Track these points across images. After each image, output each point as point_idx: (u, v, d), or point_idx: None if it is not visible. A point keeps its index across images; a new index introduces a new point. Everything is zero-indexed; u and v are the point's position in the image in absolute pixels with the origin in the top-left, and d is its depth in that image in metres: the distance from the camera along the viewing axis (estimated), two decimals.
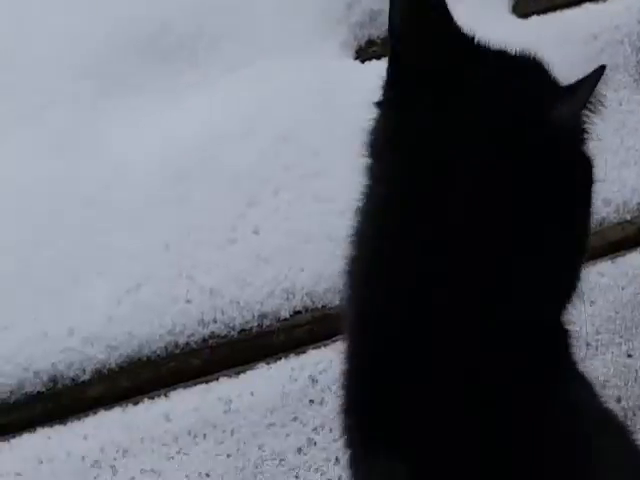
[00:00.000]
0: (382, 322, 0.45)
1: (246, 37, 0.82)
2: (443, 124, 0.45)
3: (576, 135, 0.48)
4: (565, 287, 0.48)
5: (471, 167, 0.44)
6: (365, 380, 0.47)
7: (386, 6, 0.43)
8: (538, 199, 0.46)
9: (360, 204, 0.47)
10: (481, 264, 0.44)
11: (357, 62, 0.82)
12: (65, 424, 0.61)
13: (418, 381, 0.44)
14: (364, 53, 0.83)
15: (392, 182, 0.46)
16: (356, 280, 0.48)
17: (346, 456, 0.49)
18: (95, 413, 0.62)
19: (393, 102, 0.47)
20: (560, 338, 0.48)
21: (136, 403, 0.61)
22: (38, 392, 0.62)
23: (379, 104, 0.47)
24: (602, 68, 0.46)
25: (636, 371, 0.60)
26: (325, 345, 0.61)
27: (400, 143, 0.46)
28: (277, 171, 0.71)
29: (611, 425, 0.48)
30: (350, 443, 0.48)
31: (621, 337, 0.59)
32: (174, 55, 0.81)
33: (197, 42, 0.81)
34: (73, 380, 0.63)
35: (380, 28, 0.81)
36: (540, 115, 0.46)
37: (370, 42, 0.83)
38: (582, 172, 0.48)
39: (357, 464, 0.48)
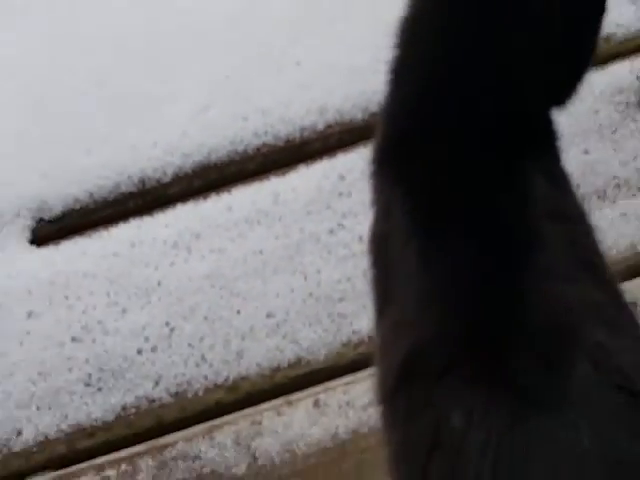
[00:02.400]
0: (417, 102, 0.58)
1: None
2: None
3: None
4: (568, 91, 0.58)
5: None
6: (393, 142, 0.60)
7: None
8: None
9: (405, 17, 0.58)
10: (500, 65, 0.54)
11: None
12: (152, 216, 0.79)
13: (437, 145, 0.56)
14: None
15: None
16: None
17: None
18: (174, 207, 0.79)
19: None
20: (552, 131, 0.59)
21: (205, 198, 0.78)
22: (130, 192, 0.80)
23: None
24: None
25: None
26: (351, 150, 0.76)
27: None
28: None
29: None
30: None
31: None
32: None
33: None
34: (157, 181, 0.80)
35: None
36: None
37: None
38: None
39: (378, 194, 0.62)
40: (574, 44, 0.56)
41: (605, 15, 0.55)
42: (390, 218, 0.60)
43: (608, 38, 0.76)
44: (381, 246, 0.62)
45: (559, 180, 0.58)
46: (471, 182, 0.55)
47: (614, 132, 0.74)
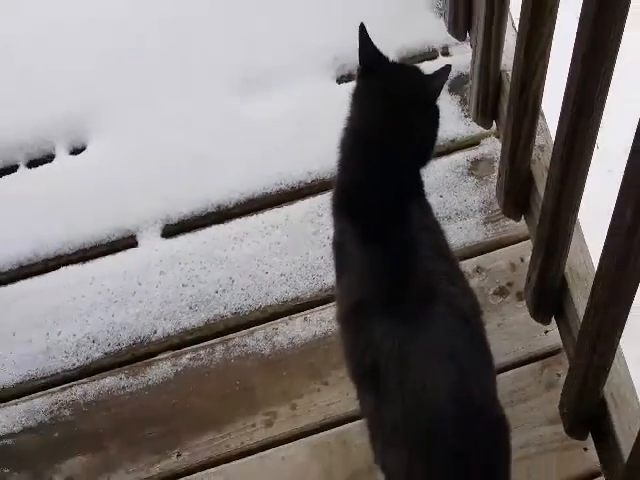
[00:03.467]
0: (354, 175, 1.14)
1: None
2: (370, 88, 1.16)
3: (437, 96, 1.20)
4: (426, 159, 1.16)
5: (388, 108, 1.16)
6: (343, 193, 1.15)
7: None
8: (421, 127, 1.13)
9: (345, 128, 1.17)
10: (394, 151, 1.12)
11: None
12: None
13: (364, 195, 1.11)
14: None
15: (353, 118, 1.22)
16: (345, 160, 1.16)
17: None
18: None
19: (358, 78, 1.15)
20: (421, 182, 1.16)
21: None
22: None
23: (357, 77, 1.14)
24: (449, 66, 1.10)
25: None
26: (325, 193, 1.43)
27: (355, 95, 1.16)
28: None
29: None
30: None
31: None
32: None
33: None
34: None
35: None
36: (424, 85, 1.16)
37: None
38: (437, 115, 1.17)
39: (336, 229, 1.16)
40: (427, 143, 1.19)
41: (439, 128, 1.18)
42: (344, 234, 1.12)
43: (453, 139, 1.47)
44: (339, 249, 1.14)
45: (426, 209, 1.15)
46: (382, 214, 1.09)
47: (455, 187, 1.44)
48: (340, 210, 1.15)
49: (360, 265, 1.09)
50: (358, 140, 1.14)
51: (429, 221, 1.14)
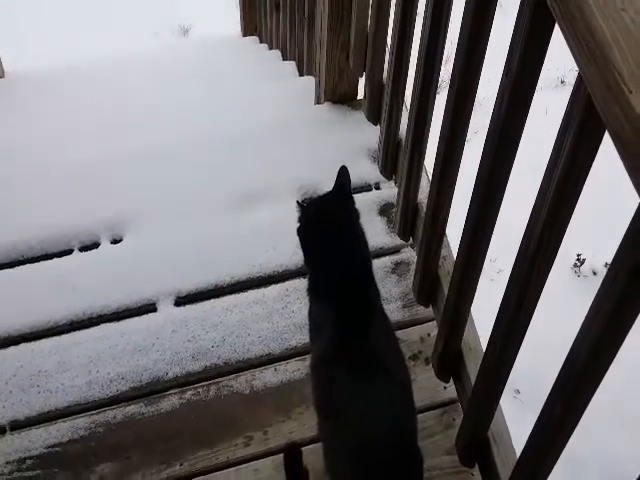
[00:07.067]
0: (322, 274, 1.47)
1: None
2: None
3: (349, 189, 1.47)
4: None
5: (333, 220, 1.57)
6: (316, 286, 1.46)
7: None
8: (356, 231, 1.50)
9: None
10: (349, 253, 1.47)
11: None
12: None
13: (328, 284, 1.41)
14: None
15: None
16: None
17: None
18: None
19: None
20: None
21: None
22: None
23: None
24: (344, 168, 1.43)
25: None
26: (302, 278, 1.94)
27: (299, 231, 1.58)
28: None
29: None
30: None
31: None
32: None
33: None
34: None
35: None
36: (351, 200, 1.53)
37: None
38: (358, 215, 1.57)
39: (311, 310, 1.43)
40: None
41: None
42: (321, 311, 1.37)
43: (381, 247, 1.98)
44: (314, 321, 1.40)
45: (378, 296, 1.43)
46: (340, 289, 1.38)
47: (382, 280, 1.91)
48: (315, 293, 1.42)
49: (330, 329, 1.32)
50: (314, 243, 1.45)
51: (381, 307, 1.41)
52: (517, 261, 1.08)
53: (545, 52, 1.00)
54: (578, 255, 3.09)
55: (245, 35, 3.69)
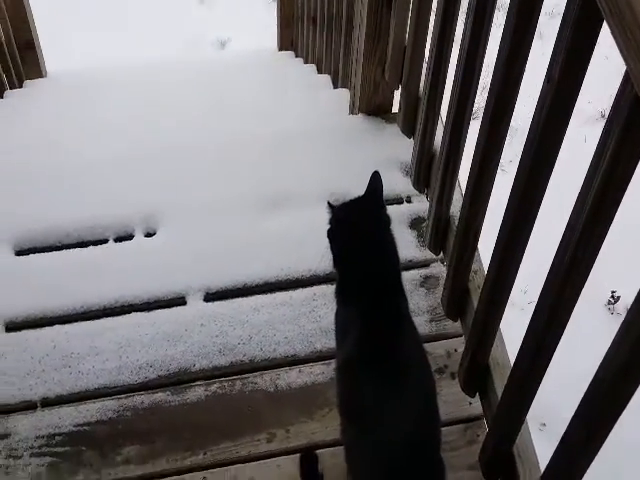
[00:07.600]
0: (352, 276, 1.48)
1: None
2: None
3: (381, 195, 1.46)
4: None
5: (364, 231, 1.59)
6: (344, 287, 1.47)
7: None
8: (386, 237, 1.48)
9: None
10: (377, 259, 1.46)
11: None
12: None
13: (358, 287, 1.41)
14: None
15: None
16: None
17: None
18: None
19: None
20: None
21: None
22: None
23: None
24: (377, 173, 1.42)
25: None
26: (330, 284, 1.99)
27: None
28: None
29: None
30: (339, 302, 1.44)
31: None
32: None
33: None
34: None
35: None
36: (382, 205, 1.52)
37: None
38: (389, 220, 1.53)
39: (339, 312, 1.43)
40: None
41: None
42: (348, 315, 1.38)
43: (411, 260, 2.03)
44: (341, 324, 1.41)
45: (407, 306, 1.43)
46: (368, 293, 1.36)
47: (411, 293, 1.90)
48: (343, 297, 1.43)
49: (357, 333, 1.32)
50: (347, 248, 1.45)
51: (409, 314, 1.41)
52: (551, 271, 1.08)
53: (590, 55, 0.97)
54: (612, 292, 3.05)
55: (281, 49, 3.77)
